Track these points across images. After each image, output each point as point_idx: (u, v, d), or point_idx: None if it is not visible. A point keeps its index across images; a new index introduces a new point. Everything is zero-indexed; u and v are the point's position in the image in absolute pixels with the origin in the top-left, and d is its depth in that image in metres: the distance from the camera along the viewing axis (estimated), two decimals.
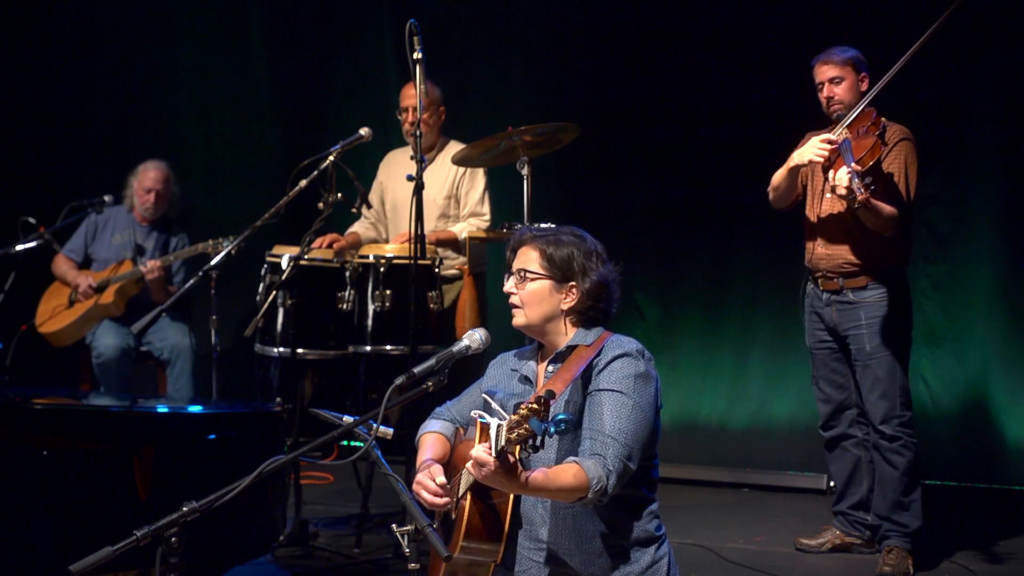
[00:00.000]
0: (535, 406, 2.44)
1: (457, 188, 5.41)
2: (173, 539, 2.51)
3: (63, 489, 3.66)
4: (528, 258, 2.97)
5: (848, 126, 4.46)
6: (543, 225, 3.77)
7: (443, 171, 5.33)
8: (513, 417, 2.47)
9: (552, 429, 2.44)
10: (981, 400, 5.79)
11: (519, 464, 2.58)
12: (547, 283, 2.94)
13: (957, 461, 5.84)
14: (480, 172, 5.41)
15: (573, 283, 2.94)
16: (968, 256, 5.79)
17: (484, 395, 3.00)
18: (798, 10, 5.99)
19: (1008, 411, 5.74)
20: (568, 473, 2.69)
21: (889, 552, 4.52)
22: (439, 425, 3.12)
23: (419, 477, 2.89)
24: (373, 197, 5.41)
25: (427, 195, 4.75)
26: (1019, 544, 4.99)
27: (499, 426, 2.49)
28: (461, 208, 5.43)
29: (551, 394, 2.56)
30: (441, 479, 2.86)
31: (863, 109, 4.47)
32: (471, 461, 2.60)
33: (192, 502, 2.56)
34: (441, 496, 2.84)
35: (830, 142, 4.39)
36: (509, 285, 2.99)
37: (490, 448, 2.51)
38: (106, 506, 3.68)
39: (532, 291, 2.95)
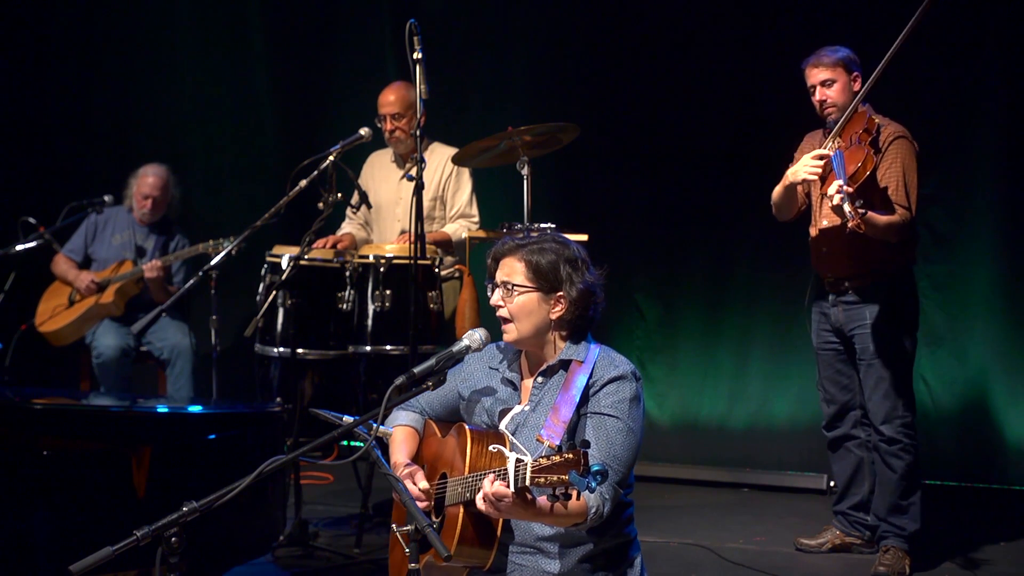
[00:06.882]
0: (571, 457, 2.42)
1: (443, 190, 5.40)
2: (173, 539, 2.51)
3: (63, 489, 3.66)
4: (513, 269, 2.91)
5: (841, 133, 4.38)
6: (533, 226, 3.74)
7: (428, 173, 5.28)
8: (543, 461, 2.46)
9: (594, 484, 2.40)
10: (981, 400, 5.79)
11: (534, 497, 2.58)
12: (535, 295, 2.89)
13: (957, 461, 5.84)
14: (466, 174, 5.40)
15: (561, 292, 2.89)
16: (968, 256, 5.78)
17: (503, 430, 2.91)
18: (798, 10, 5.99)
19: (1008, 411, 5.74)
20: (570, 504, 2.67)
21: (886, 552, 4.52)
22: (409, 417, 3.11)
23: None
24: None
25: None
26: (1019, 544, 4.99)
27: (519, 462, 2.48)
28: (447, 210, 5.43)
29: (587, 444, 2.52)
30: (424, 484, 2.89)
31: (856, 111, 4.38)
32: (481, 495, 2.59)
33: (192, 502, 2.56)
34: (423, 501, 2.87)
35: (821, 157, 4.33)
36: (496, 298, 2.93)
37: (505, 482, 2.51)
38: (106, 506, 3.68)
39: (520, 304, 2.89)
